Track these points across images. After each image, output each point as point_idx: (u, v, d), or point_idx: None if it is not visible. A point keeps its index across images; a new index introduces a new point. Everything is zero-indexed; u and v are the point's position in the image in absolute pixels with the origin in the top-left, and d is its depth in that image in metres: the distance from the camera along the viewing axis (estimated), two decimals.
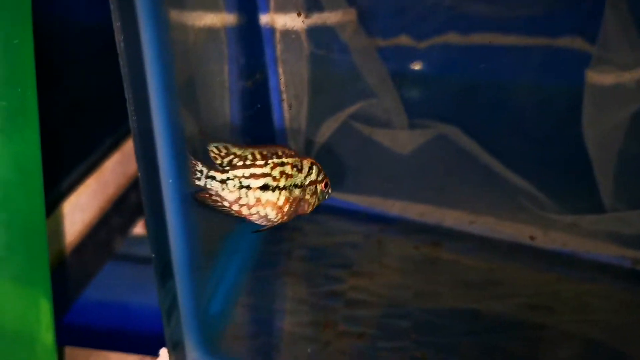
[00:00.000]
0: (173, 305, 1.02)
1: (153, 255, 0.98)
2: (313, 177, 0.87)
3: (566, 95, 1.25)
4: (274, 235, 1.37)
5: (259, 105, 1.28)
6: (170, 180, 0.89)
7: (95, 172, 1.71)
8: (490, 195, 1.33)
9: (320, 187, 0.88)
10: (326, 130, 1.35)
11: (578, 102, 1.20)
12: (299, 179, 0.85)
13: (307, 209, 0.88)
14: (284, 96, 1.33)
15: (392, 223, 1.38)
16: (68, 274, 1.56)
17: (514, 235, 1.32)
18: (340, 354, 1.09)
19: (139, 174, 0.91)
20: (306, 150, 1.36)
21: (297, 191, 0.85)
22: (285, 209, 0.84)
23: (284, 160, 0.84)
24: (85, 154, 1.70)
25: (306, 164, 0.86)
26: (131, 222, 1.88)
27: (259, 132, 1.35)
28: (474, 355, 1.06)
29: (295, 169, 0.84)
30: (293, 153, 0.85)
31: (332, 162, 1.38)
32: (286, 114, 1.34)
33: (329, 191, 0.90)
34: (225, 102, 1.18)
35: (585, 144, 1.22)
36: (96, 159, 1.74)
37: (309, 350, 1.06)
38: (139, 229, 1.92)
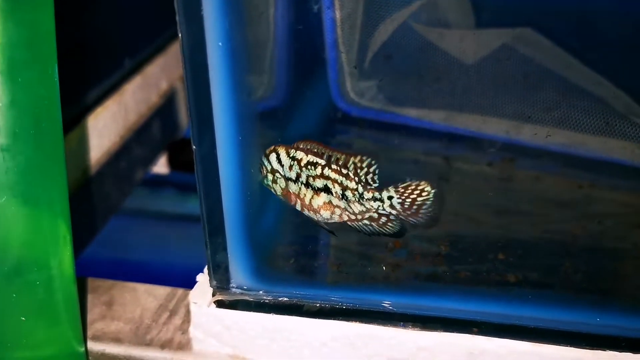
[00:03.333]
0: (216, 220, 0.85)
1: (195, 159, 0.80)
2: None
3: None
4: None
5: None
6: (220, 43, 0.70)
7: (115, 94, 1.53)
8: (573, 106, 1.13)
9: None
10: (383, 33, 1.15)
11: None
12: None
13: None
14: None
15: (459, 139, 1.19)
16: (89, 201, 1.39)
17: (603, 149, 1.13)
18: (413, 277, 0.91)
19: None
20: (358, 57, 1.17)
21: None
22: None
23: None
24: (103, 73, 1.52)
25: None
26: (153, 155, 1.71)
27: (307, 35, 1.16)
28: (579, 279, 0.88)
29: None
30: None
31: (390, 71, 1.19)
32: (338, 14, 1.14)
33: None
34: None
35: None
36: (116, 80, 1.56)
37: (383, 267, 0.88)
38: (160, 167, 1.74)
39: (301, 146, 0.85)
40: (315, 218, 0.86)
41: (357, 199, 0.83)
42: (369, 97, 1.21)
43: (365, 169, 0.83)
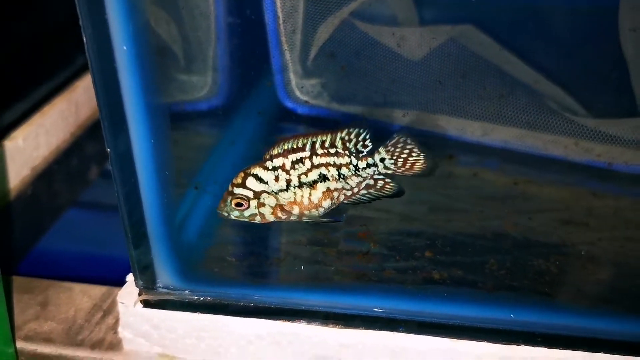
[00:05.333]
0: (137, 221, 0.85)
1: (111, 161, 0.80)
2: None
3: None
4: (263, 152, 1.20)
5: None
6: (125, 48, 0.71)
7: (64, 92, 1.52)
8: (511, 103, 1.15)
9: None
10: (325, 31, 1.15)
11: (613, 2, 1.01)
12: None
13: None
14: None
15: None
16: (35, 199, 1.39)
17: (540, 146, 1.15)
18: (341, 276, 0.92)
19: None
20: (302, 53, 1.17)
21: None
22: None
23: None
24: (51, 71, 1.51)
25: None
26: None
27: (248, 32, 1.16)
28: (503, 275, 0.89)
29: None
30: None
31: (331, 68, 1.19)
32: (279, 12, 1.15)
33: None
34: None
35: (621, 44, 1.04)
36: (66, 77, 1.55)
37: (302, 267, 0.89)
38: None
39: (274, 152, 0.83)
40: (317, 214, 0.84)
41: (352, 172, 0.83)
42: (314, 95, 1.22)
43: (354, 140, 0.83)
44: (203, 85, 1.10)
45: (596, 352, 0.79)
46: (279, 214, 0.83)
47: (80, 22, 0.70)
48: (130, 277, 0.92)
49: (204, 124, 1.12)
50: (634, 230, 1.02)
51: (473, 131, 1.18)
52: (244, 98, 1.17)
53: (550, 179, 1.12)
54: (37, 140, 1.39)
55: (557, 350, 0.80)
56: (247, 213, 0.83)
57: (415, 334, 0.83)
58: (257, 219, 0.83)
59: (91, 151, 1.61)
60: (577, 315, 0.84)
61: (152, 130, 0.79)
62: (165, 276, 0.87)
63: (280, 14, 1.14)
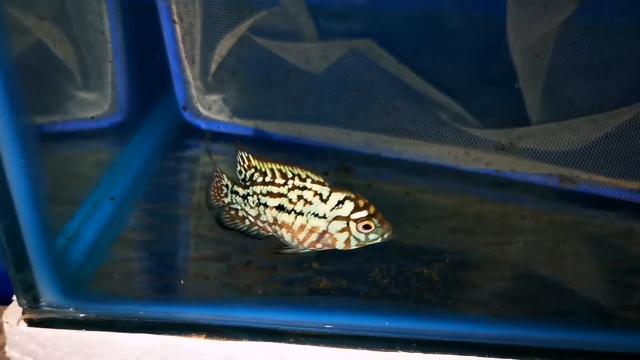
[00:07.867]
0: (15, 240, 0.85)
1: None
2: (343, 212, 0.77)
3: (491, 6, 1.12)
4: (168, 167, 1.21)
5: None
6: None
7: None
8: (406, 114, 1.19)
9: (356, 225, 0.77)
10: (224, 46, 1.17)
11: (504, 14, 1.07)
12: (320, 208, 0.77)
13: (334, 244, 0.78)
14: (174, 8, 1.15)
15: (300, 149, 1.23)
16: None
17: (432, 155, 1.19)
18: (228, 290, 0.94)
19: None
20: (202, 71, 1.19)
21: (316, 221, 0.77)
22: (301, 235, 0.78)
23: (307, 185, 0.78)
24: None
25: (336, 196, 0.77)
26: None
27: (146, 51, 1.17)
28: (385, 284, 0.92)
29: (318, 197, 0.77)
30: (322, 180, 0.78)
31: (232, 84, 1.21)
32: (178, 30, 1.16)
33: (375, 235, 0.79)
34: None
35: (511, 56, 1.09)
36: None
37: (182, 282, 0.90)
38: None
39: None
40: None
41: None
42: (215, 110, 1.23)
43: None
44: (101, 103, 1.11)
45: (469, 355, 0.83)
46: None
47: None
48: (15, 297, 0.91)
49: (103, 141, 1.13)
50: (515, 235, 1.07)
51: (369, 143, 1.22)
52: (145, 114, 1.18)
53: (441, 187, 1.17)
54: None
55: (432, 355, 0.83)
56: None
57: (299, 344, 0.85)
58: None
59: None
60: (452, 321, 0.88)
61: (24, 152, 0.79)
62: (48, 295, 0.87)
63: (178, 30, 1.15)
